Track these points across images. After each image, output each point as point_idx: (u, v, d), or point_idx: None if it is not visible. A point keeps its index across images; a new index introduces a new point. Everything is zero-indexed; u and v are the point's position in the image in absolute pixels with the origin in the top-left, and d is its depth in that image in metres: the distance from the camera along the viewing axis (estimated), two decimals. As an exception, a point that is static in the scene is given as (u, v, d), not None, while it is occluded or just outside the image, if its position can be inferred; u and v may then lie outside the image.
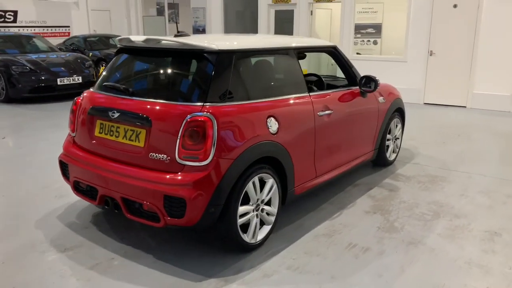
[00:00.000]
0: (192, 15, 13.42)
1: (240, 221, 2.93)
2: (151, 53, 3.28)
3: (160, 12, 16.41)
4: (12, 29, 13.80)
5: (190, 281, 2.75)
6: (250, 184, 2.96)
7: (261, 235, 3.15)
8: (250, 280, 2.77)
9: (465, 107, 8.79)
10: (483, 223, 3.60)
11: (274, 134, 3.11)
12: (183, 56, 3.08)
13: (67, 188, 3.60)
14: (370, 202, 4.02)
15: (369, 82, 4.12)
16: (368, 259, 3.04)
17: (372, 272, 2.87)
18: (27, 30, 14.05)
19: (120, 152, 3.01)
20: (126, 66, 3.40)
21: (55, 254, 3.06)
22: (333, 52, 4.17)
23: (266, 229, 3.20)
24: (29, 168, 4.93)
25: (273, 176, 3.14)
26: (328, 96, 3.81)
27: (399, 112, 5.02)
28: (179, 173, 2.75)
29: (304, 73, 3.90)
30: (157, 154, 2.82)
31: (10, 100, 8.93)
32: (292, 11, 10.87)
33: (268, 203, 3.19)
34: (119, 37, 3.35)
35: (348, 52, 10.15)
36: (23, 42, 10.36)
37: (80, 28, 15.53)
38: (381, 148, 4.78)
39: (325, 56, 5.56)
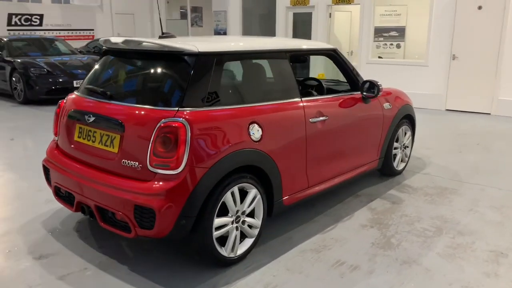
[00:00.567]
0: (214, 18, 13.39)
1: (216, 233, 2.76)
2: (133, 55, 3.16)
3: (183, 15, 16.52)
4: (38, 32, 14.15)
5: (160, 296, 2.60)
6: (228, 195, 2.78)
7: (242, 248, 2.97)
8: (223, 297, 2.60)
9: (489, 114, 8.32)
10: (489, 242, 3.29)
11: (257, 141, 2.92)
12: (163, 58, 2.94)
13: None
14: (369, 214, 3.77)
15: (373, 87, 3.88)
16: (355, 278, 2.80)
17: (357, 294, 2.64)
18: (53, 33, 14.34)
19: (96, 157, 2.90)
20: (109, 68, 3.29)
21: (29, 261, 2.97)
22: (333, 56, 3.95)
23: (249, 242, 3.01)
24: (28, 171, 4.91)
25: (256, 186, 2.95)
26: (323, 102, 3.60)
27: (408, 119, 4.72)
28: (150, 182, 2.60)
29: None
30: (129, 161, 2.69)
31: (28, 101, 9.09)
32: (310, 14, 10.64)
33: (251, 214, 3.00)
34: (102, 38, 3.25)
35: (367, 55, 9.84)
36: (45, 45, 10.60)
37: (104, 31, 15.81)
38: (388, 157, 4.50)
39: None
